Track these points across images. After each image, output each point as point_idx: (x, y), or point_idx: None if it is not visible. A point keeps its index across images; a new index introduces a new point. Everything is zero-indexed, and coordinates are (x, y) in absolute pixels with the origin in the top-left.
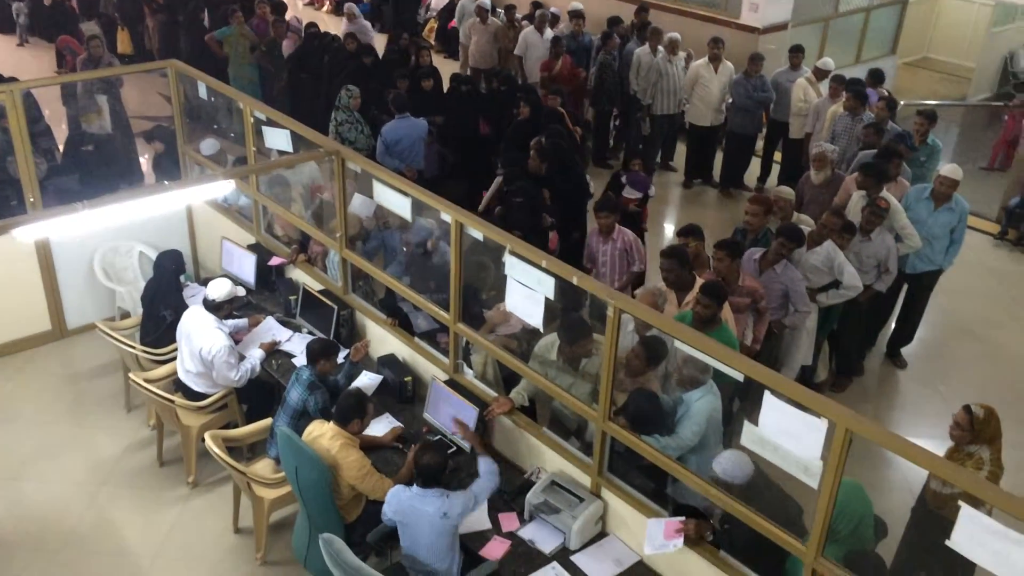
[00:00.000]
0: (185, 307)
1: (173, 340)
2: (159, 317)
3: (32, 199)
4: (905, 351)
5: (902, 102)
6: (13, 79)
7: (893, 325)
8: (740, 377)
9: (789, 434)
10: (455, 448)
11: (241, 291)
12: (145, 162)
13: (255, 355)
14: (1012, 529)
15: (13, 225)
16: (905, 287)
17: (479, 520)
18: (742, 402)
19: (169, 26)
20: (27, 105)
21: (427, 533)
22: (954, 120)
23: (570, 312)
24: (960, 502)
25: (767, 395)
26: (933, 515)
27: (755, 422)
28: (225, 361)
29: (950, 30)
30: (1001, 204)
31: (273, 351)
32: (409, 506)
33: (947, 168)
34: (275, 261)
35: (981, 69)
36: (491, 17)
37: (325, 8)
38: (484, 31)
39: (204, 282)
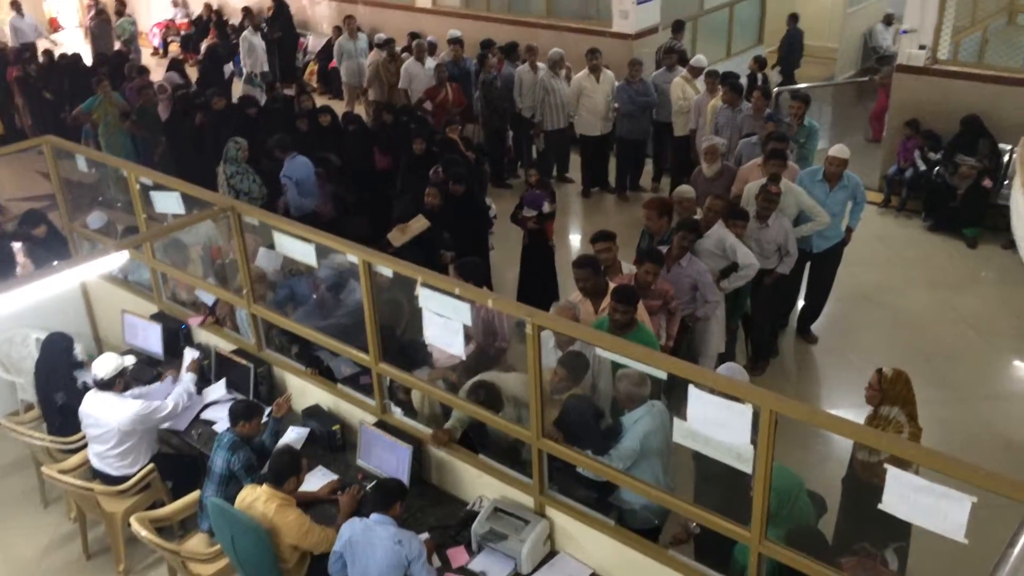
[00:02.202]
0: (77, 388)
1: (75, 424)
2: (51, 401)
3: None
4: (814, 326)
5: (775, 88)
6: None
7: (801, 303)
8: (663, 375)
9: (717, 423)
10: None
11: (130, 359)
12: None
13: (184, 379)
14: (936, 484)
15: None
16: (808, 265)
17: None
18: (669, 399)
19: (42, 103)
20: None
21: (379, 561)
22: (826, 100)
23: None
24: (886, 464)
25: (691, 388)
26: (864, 484)
27: (683, 417)
28: (152, 411)
29: (810, 15)
30: (881, 173)
31: (194, 423)
32: (362, 533)
33: (835, 149)
34: (194, 321)
35: (844, 48)
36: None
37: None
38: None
39: None
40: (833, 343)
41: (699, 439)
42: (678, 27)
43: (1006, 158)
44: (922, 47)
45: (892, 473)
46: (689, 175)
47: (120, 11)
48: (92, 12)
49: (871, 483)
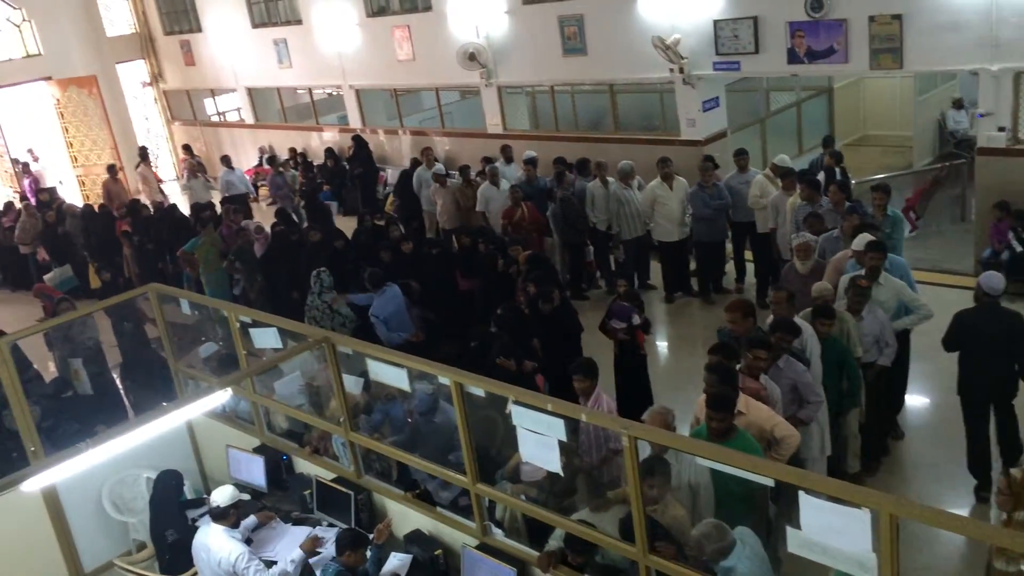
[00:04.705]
0: (188, 525)
1: (186, 562)
2: (163, 538)
3: (33, 448)
4: (924, 418)
5: (853, 181)
6: None
7: None
8: (771, 483)
9: (834, 531)
10: None
11: (246, 496)
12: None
13: (295, 556)
14: None
15: (23, 478)
16: None
17: None
18: (778, 507)
19: (146, 254)
20: (15, 356)
21: None
22: (907, 187)
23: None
24: None
25: (802, 495)
26: None
27: (797, 526)
28: (245, 567)
29: (880, 106)
30: (975, 258)
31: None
32: None
33: (855, 243)
34: None
35: (919, 136)
36: (449, 179)
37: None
38: (446, 193)
39: None
40: (948, 437)
41: (816, 548)
42: (828, 142)
43: None
44: (1001, 129)
45: None
46: (773, 273)
47: (197, 170)
48: (187, 167)
49: None
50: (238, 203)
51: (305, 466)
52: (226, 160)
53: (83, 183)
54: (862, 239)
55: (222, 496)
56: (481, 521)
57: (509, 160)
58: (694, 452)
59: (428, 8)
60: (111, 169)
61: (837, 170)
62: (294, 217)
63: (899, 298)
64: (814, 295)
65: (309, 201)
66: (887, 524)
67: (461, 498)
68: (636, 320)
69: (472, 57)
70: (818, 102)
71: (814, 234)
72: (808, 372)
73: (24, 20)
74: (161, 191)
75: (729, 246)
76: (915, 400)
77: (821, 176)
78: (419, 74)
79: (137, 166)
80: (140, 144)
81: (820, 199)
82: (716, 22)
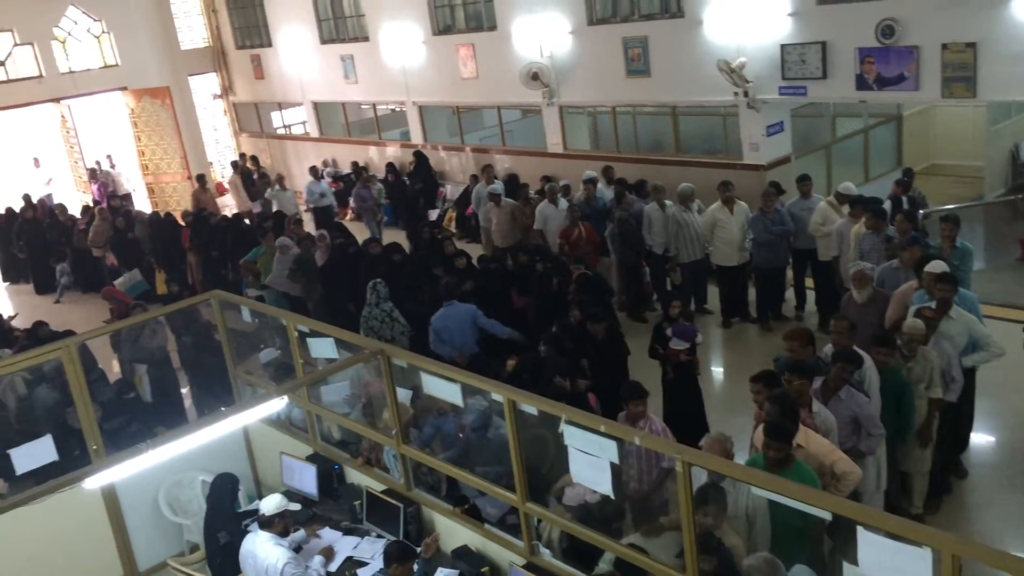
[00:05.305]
0: (240, 528)
1: (236, 565)
2: (215, 540)
3: (95, 446)
4: (989, 457)
5: (921, 211)
6: (69, 332)
7: None
8: (828, 516)
9: (893, 569)
10: None
11: (295, 506)
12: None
13: (315, 564)
14: None
15: (85, 475)
16: None
17: None
18: (834, 540)
19: (210, 261)
20: (82, 356)
21: None
22: (977, 220)
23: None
24: None
25: (860, 531)
26: None
27: (853, 561)
28: (292, 574)
29: (951, 135)
30: None
31: (346, 562)
32: None
33: (930, 266)
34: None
35: (991, 167)
36: (504, 198)
37: (348, 217)
38: (501, 212)
39: None
40: (1014, 476)
41: None
42: (907, 173)
43: None
44: None
45: None
46: (830, 301)
47: (280, 182)
48: (256, 176)
49: None
50: (325, 215)
51: (356, 476)
52: (313, 171)
53: (152, 191)
54: (937, 264)
55: (268, 505)
56: (529, 540)
57: (610, 181)
58: (749, 481)
59: (493, 27)
60: (200, 179)
61: (904, 199)
62: (377, 230)
63: (970, 333)
64: (905, 331)
65: (408, 213)
66: (949, 564)
67: (509, 516)
68: (699, 339)
69: (535, 76)
70: (886, 129)
71: (890, 259)
72: (870, 404)
73: (104, 32)
74: (261, 194)
75: (789, 273)
76: (979, 438)
77: (887, 205)
78: (482, 92)
79: (232, 175)
80: (240, 153)
81: (886, 228)
82: (783, 46)
